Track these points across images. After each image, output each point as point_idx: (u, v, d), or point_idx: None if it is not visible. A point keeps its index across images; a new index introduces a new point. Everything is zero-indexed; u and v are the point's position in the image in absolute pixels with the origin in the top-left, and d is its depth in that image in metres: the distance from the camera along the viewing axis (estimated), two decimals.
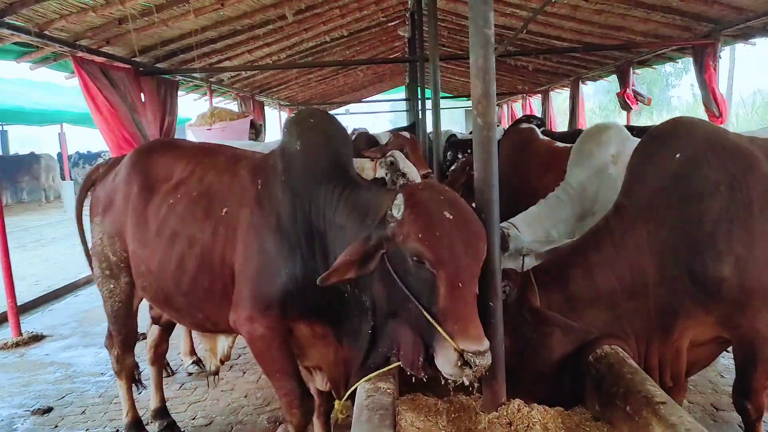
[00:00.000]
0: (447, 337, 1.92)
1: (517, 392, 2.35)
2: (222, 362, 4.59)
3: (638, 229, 2.44)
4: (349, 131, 8.86)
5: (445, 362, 1.94)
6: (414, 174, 4.79)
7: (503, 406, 2.17)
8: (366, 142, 6.68)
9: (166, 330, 3.95)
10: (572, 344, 2.43)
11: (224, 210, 2.83)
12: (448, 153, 7.99)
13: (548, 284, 2.44)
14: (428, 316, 1.98)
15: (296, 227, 2.59)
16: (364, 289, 2.39)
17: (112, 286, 3.40)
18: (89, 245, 3.62)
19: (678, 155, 2.46)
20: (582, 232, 3.41)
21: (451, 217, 2.02)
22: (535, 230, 3.38)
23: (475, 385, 2.02)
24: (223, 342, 4.38)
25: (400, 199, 2.08)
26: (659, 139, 2.59)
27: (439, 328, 1.95)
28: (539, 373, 2.43)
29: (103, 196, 3.40)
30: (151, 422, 3.91)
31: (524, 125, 5.51)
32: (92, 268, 3.57)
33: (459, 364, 1.90)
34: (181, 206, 2.97)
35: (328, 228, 2.52)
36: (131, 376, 3.72)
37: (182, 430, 3.93)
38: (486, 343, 1.92)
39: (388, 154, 4.81)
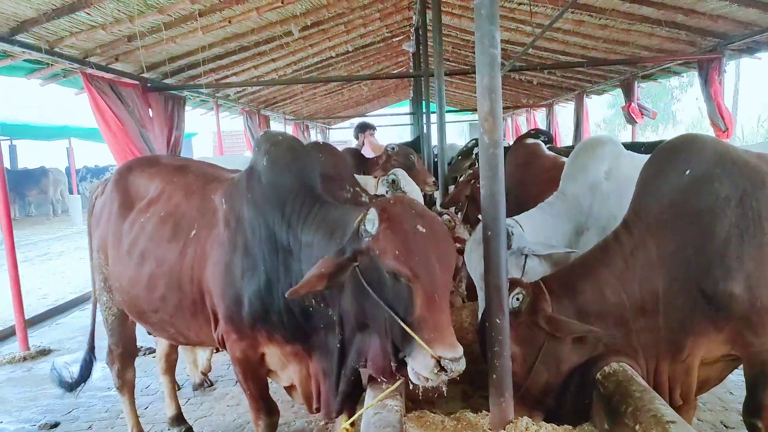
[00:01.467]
0: (424, 345, 1.99)
1: (525, 403, 2.35)
2: (204, 374, 4.67)
3: (648, 245, 2.44)
4: (348, 145, 8.90)
5: (423, 368, 2.01)
6: (416, 192, 4.84)
7: (511, 424, 2.16)
8: (351, 158, 6.74)
9: None
10: (582, 356, 2.42)
11: (193, 231, 2.87)
12: (471, 141, 8.08)
13: (559, 296, 2.43)
14: (404, 326, 2.04)
15: (261, 244, 2.61)
16: (330, 303, 2.43)
17: (105, 298, 3.50)
18: None
19: (688, 171, 2.46)
20: (579, 246, 3.43)
21: (424, 230, 2.07)
22: (537, 233, 3.40)
23: (444, 389, 2.09)
24: (201, 355, 4.42)
25: (373, 213, 2.11)
26: (669, 155, 2.59)
27: (416, 336, 2.01)
28: (548, 383, 2.42)
29: (96, 213, 3.51)
30: (170, 429, 3.97)
31: (529, 140, 5.52)
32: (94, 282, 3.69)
33: (436, 370, 1.97)
34: (150, 226, 3.04)
35: (293, 244, 2.54)
36: (133, 391, 3.77)
37: None
38: (460, 350, 2.00)
39: (390, 172, 4.87)
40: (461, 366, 1.98)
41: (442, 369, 1.96)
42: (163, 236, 2.97)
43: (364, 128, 8.15)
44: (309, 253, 2.46)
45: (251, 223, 2.66)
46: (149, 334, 3.95)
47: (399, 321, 2.05)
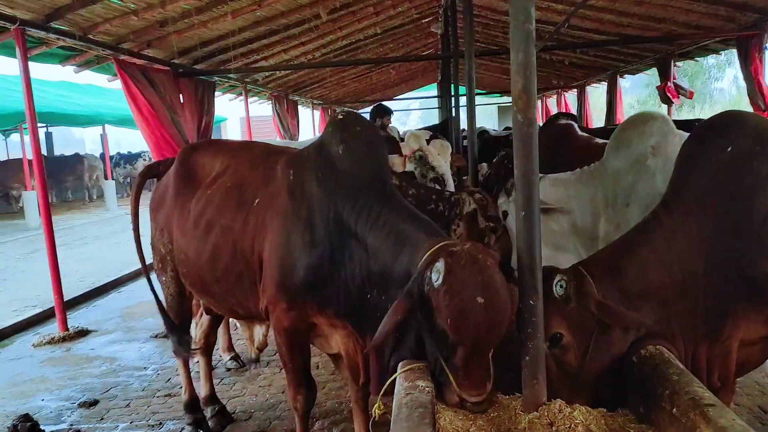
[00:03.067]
0: (454, 384, 2.13)
1: (579, 394, 2.29)
2: (259, 350, 4.73)
3: (689, 225, 2.37)
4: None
5: (447, 399, 2.18)
6: (443, 167, 4.82)
7: (544, 406, 2.14)
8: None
9: (215, 321, 4.07)
10: (628, 340, 2.34)
11: (256, 200, 2.93)
12: (488, 171, 7.94)
13: (600, 279, 2.36)
14: (443, 363, 2.16)
15: (328, 223, 2.66)
16: (389, 299, 2.44)
17: (163, 278, 3.60)
18: (149, 240, 3.76)
19: (729, 149, 2.38)
20: (612, 220, 3.39)
21: (482, 301, 2.06)
22: (557, 191, 3.48)
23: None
24: (258, 330, 4.50)
25: (441, 265, 2.11)
26: (709, 133, 2.52)
27: (450, 376, 2.14)
28: (602, 370, 2.32)
29: (158, 193, 3.61)
30: (203, 408, 4.06)
31: (562, 121, 5.42)
32: (141, 259, 3.76)
33: (459, 405, 2.14)
34: (217, 197, 3.12)
35: (362, 235, 2.58)
36: (188, 357, 3.87)
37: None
38: (484, 396, 2.13)
39: (416, 149, 4.88)
40: (482, 408, 2.12)
41: (464, 406, 2.12)
42: (228, 206, 3.04)
43: (383, 113, 8.15)
44: (376, 258, 2.51)
45: (320, 202, 2.70)
46: (207, 313, 4.01)
47: (439, 356, 2.17)
